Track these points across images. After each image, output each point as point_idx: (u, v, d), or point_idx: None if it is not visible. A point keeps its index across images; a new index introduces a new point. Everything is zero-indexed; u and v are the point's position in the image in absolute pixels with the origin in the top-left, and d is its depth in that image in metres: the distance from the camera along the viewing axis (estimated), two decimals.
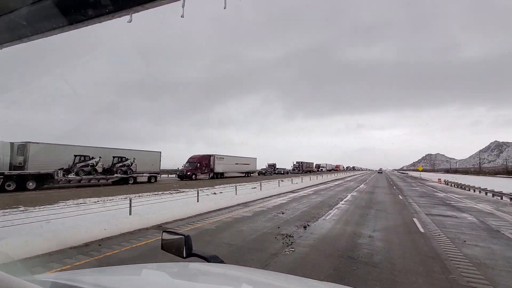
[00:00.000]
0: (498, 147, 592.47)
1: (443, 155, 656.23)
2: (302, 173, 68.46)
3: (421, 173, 75.07)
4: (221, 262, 1.59)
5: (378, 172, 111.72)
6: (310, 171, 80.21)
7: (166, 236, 1.66)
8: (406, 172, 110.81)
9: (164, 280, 1.37)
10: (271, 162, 65.12)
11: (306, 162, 77.20)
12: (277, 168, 62.92)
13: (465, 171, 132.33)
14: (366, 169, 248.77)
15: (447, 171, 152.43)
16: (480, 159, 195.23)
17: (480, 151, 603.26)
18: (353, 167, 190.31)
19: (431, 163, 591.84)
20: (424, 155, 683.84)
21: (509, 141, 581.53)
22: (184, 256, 1.50)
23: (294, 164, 71.68)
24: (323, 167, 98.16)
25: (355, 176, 59.39)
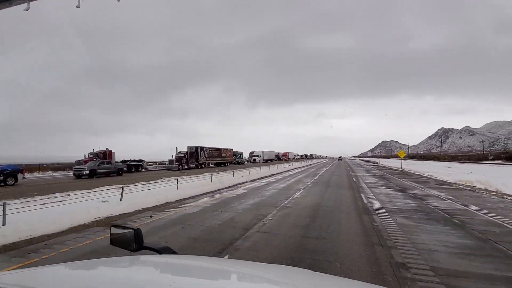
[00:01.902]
0: (444, 133, 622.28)
1: (397, 141, 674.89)
2: (194, 168, 33.32)
3: (399, 161, 44.60)
4: (174, 253, 1.52)
5: (338, 160, 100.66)
6: (223, 164, 45.38)
7: (115, 230, 1.52)
8: (374, 160, 79.30)
9: (111, 275, 1.25)
10: (100, 149, 28.75)
11: (211, 148, 42.06)
12: (109, 162, 26.35)
13: (435, 157, 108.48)
14: (326, 157, 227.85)
15: (413, 157, 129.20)
16: (441, 144, 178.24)
17: (429, 137, 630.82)
18: (310, 155, 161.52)
19: (386, 149, 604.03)
20: (380, 142, 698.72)
21: (454, 128, 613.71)
22: (135, 249, 1.42)
23: (178, 154, 35.73)
24: (256, 156, 64.14)
25: (285, 174, 26.32)
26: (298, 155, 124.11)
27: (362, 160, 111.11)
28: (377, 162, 58.78)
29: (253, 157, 63.90)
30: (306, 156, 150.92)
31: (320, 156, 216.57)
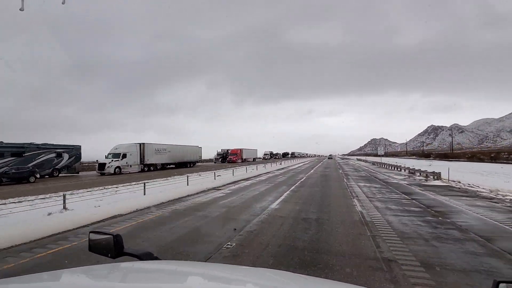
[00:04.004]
0: (434, 130, 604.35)
1: (387, 139, 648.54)
2: None
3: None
4: (155, 259, 1.42)
5: (328, 158, 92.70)
6: None
7: (94, 236, 1.42)
8: (397, 161, 35.62)
9: (90, 284, 1.17)
10: None
11: None
12: None
13: (446, 155, 70.67)
14: (314, 155, 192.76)
15: (427, 155, 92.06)
16: (452, 142, 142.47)
17: (419, 134, 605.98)
18: (292, 154, 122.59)
19: (376, 147, 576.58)
20: (369, 140, 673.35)
21: (444, 125, 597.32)
22: (114, 256, 1.32)
23: None
24: (115, 157, 24.63)
25: None
26: (270, 154, 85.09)
27: (364, 160, 67.02)
28: (398, 165, 20.26)
29: (106, 164, 24.23)
30: (285, 155, 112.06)
31: (307, 154, 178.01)
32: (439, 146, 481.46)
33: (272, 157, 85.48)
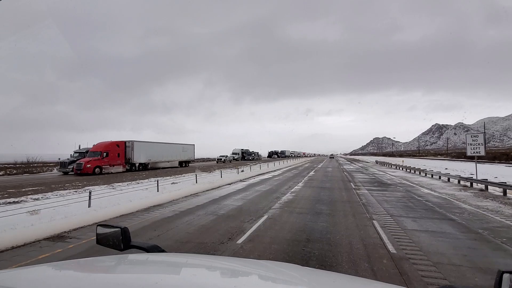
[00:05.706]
0: (438, 129, 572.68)
1: (390, 138, 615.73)
2: None
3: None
4: (162, 251, 1.43)
5: (330, 157, 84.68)
6: None
7: (101, 229, 1.43)
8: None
9: (98, 274, 1.19)
10: None
11: None
12: None
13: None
14: (314, 155, 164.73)
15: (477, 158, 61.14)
16: (485, 141, 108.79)
17: (423, 133, 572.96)
18: (282, 153, 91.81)
19: (379, 146, 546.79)
20: (372, 139, 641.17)
21: (449, 124, 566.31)
22: (122, 248, 1.34)
23: None
24: None
25: None
26: (241, 153, 54.76)
27: (407, 169, 24.35)
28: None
29: None
30: (271, 154, 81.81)
31: (304, 154, 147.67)
32: (444, 145, 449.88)
33: (245, 158, 55.06)
